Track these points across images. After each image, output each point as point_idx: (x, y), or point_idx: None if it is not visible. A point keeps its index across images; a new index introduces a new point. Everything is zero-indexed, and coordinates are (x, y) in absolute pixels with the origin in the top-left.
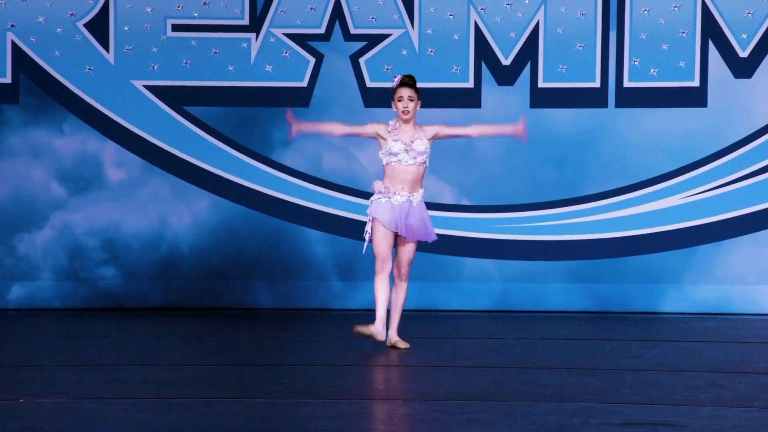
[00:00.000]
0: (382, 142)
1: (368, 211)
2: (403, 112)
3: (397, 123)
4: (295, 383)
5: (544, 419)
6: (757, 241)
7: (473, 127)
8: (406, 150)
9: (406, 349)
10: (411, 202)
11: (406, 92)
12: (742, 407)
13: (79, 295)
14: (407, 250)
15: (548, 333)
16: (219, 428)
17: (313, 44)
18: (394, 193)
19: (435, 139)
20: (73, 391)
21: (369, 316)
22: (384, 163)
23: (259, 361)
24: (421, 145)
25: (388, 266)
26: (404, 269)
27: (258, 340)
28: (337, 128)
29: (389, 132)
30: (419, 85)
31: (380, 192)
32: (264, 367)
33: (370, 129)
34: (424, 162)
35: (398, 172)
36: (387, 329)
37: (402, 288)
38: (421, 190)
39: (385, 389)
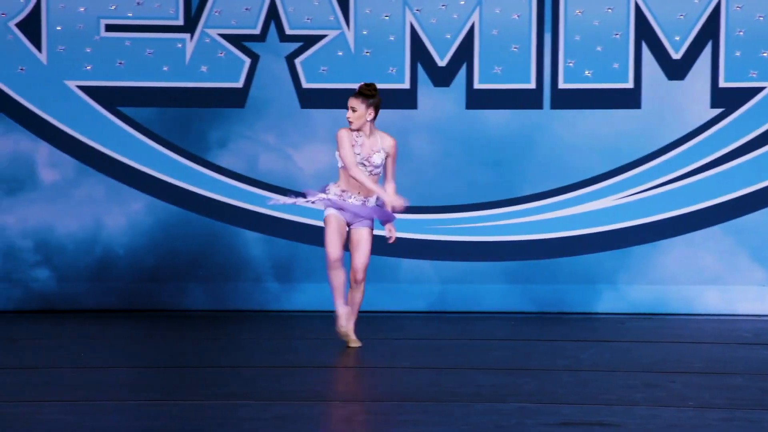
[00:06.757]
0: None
1: (310, 200)
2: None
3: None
4: (232, 385)
5: (480, 419)
6: (690, 242)
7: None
8: (364, 164)
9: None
10: (365, 202)
11: (350, 102)
12: (677, 407)
13: (12, 298)
14: (361, 254)
15: (485, 334)
16: (152, 431)
17: (249, 45)
18: (350, 197)
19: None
20: (5, 395)
21: (306, 317)
22: (339, 166)
23: (195, 363)
24: (379, 158)
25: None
26: (360, 275)
27: (193, 342)
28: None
29: (354, 139)
30: (355, 86)
31: (335, 194)
32: (200, 369)
33: (346, 144)
34: (379, 172)
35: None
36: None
37: (359, 289)
38: (375, 195)
39: (322, 390)
